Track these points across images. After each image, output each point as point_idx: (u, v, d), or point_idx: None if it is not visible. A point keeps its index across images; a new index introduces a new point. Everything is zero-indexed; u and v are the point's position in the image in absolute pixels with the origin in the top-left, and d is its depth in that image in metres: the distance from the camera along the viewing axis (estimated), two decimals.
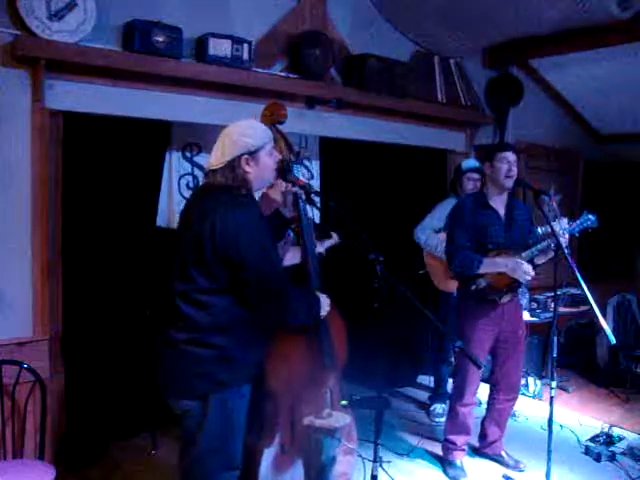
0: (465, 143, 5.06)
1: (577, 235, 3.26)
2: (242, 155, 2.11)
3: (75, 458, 3.27)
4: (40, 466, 2.61)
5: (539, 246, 3.22)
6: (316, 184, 4.49)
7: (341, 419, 2.51)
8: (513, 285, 3.29)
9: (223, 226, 2.03)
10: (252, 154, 2.12)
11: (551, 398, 2.89)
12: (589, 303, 2.74)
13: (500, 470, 3.50)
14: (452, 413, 3.51)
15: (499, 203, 3.34)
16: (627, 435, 3.94)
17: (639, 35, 4.02)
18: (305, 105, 4.03)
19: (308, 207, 3.09)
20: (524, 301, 4.90)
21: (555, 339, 2.94)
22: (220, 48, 3.49)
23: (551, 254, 3.20)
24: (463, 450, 3.54)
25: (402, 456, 3.66)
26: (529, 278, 3.18)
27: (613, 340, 2.75)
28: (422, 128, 4.72)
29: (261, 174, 2.17)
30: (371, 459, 2.39)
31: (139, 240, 3.60)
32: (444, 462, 3.55)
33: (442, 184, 5.03)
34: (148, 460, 3.42)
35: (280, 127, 2.46)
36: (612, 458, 3.63)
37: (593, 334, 5.30)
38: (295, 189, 2.43)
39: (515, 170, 3.25)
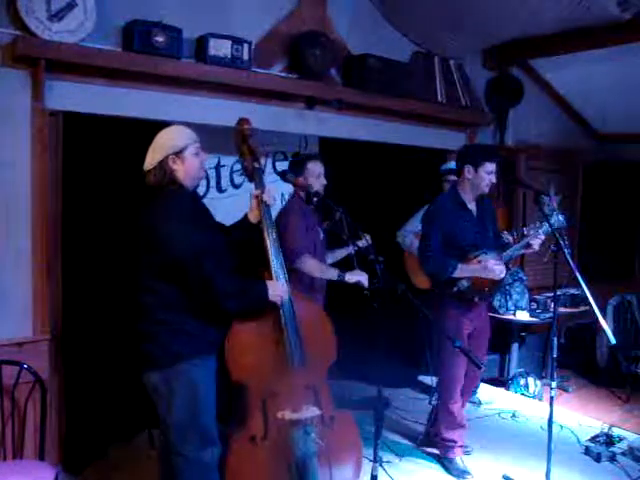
0: (465, 143, 5.05)
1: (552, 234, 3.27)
2: (169, 155, 2.38)
3: (75, 458, 3.27)
4: (40, 466, 2.61)
5: (518, 246, 3.36)
6: None
7: (313, 411, 2.60)
8: (494, 285, 3.38)
9: (150, 218, 2.35)
10: (177, 154, 2.39)
11: (551, 398, 2.90)
12: (589, 303, 2.75)
13: (500, 470, 3.50)
14: (445, 412, 3.51)
15: (473, 204, 3.43)
16: (627, 435, 3.95)
17: (639, 35, 4.03)
18: (305, 105, 4.03)
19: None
20: (524, 301, 4.92)
21: (555, 339, 2.95)
22: (220, 48, 3.49)
23: (531, 249, 3.36)
24: (461, 447, 3.56)
25: (402, 456, 3.66)
26: (502, 275, 3.31)
27: (613, 340, 2.76)
28: (422, 128, 4.71)
29: (188, 171, 2.42)
30: (371, 459, 2.39)
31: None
32: (444, 461, 3.55)
33: (442, 184, 5.03)
34: (148, 460, 3.42)
35: (246, 138, 2.69)
36: (612, 458, 3.63)
37: (593, 334, 5.30)
38: (257, 193, 2.61)
39: (495, 179, 3.35)
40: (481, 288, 3.34)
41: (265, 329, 2.55)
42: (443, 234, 3.32)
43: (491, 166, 3.31)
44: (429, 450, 3.75)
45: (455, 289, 3.32)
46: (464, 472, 3.45)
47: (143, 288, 2.37)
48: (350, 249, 3.36)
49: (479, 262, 3.28)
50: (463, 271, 3.28)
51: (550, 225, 3.12)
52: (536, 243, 3.30)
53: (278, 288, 2.51)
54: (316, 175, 3.26)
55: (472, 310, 3.41)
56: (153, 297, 2.35)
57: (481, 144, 3.57)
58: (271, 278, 2.55)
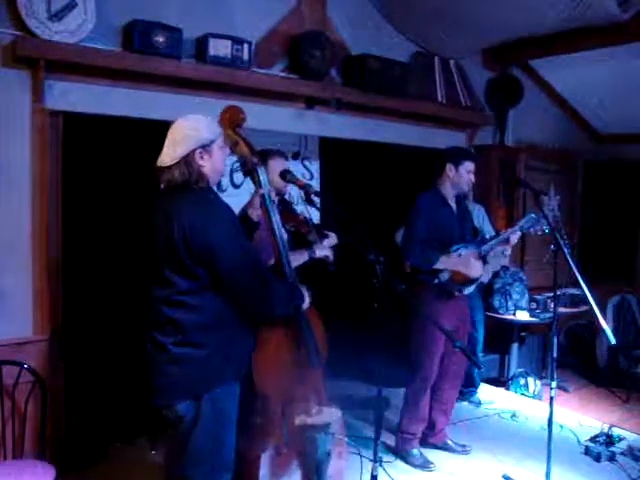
0: (465, 143, 5.05)
1: (528, 232, 3.52)
2: (196, 149, 2.08)
3: (75, 458, 3.27)
4: (40, 466, 2.61)
5: (494, 241, 3.51)
6: (316, 184, 4.49)
7: (331, 414, 2.55)
8: (473, 279, 3.50)
9: (193, 224, 2.01)
10: (205, 148, 2.10)
11: (551, 398, 2.90)
12: (589, 303, 2.75)
13: (500, 470, 3.50)
14: (413, 406, 3.56)
15: (453, 202, 3.57)
16: (627, 435, 3.95)
17: (639, 35, 4.03)
18: (305, 105, 4.03)
19: (307, 208, 3.10)
20: (524, 301, 4.91)
21: (555, 339, 2.95)
22: (220, 48, 3.49)
23: (508, 245, 3.56)
24: (419, 437, 3.62)
25: (402, 456, 3.66)
26: (477, 275, 3.46)
27: (613, 340, 2.76)
28: (422, 128, 4.72)
29: (215, 167, 2.16)
30: (371, 459, 2.39)
31: (139, 240, 3.59)
32: (402, 453, 3.60)
33: None
34: (148, 460, 3.42)
35: (239, 130, 2.42)
36: (612, 458, 3.63)
37: (593, 334, 5.31)
38: (261, 191, 2.41)
39: (474, 178, 3.54)
40: (460, 281, 3.45)
41: (285, 337, 2.46)
42: (426, 228, 3.42)
43: (471, 165, 3.49)
44: (429, 449, 3.74)
45: (436, 280, 3.41)
46: (427, 462, 3.52)
47: (174, 303, 2.07)
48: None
49: (460, 256, 3.42)
50: (444, 263, 3.39)
51: (549, 223, 3.16)
52: (513, 238, 3.48)
53: (306, 295, 2.38)
54: (277, 172, 2.89)
55: (452, 304, 3.48)
56: (188, 315, 2.06)
57: (459, 146, 3.72)
58: (283, 275, 2.44)
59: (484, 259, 3.53)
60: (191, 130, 2.09)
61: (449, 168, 3.49)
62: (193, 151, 2.07)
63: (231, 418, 2.21)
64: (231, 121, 2.39)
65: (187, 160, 2.07)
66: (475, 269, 3.44)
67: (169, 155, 2.08)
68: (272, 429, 2.46)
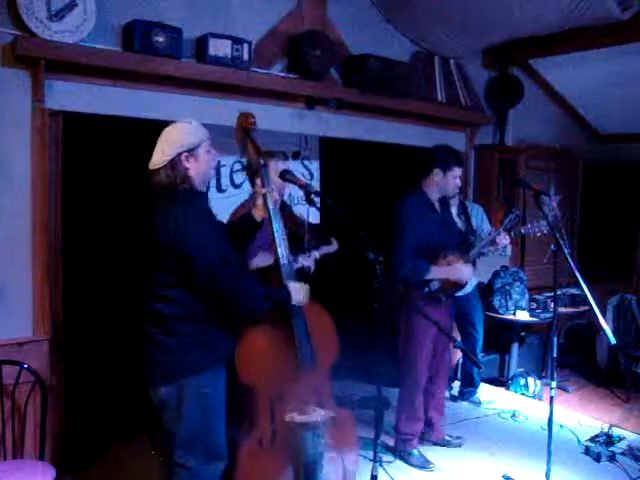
0: (465, 143, 5.06)
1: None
2: (182, 152, 2.23)
3: (75, 458, 3.28)
4: (40, 466, 2.61)
5: (479, 246, 3.53)
6: (316, 184, 4.49)
7: (321, 414, 2.55)
8: (463, 285, 3.53)
9: (177, 224, 2.17)
10: (191, 151, 2.25)
11: (551, 398, 2.90)
12: (589, 303, 2.75)
13: (500, 470, 3.50)
14: (408, 405, 3.55)
15: (437, 205, 3.55)
16: (627, 435, 3.95)
17: (639, 35, 4.03)
18: (305, 105, 4.03)
19: (307, 208, 3.10)
20: (524, 301, 4.92)
21: (555, 339, 2.95)
22: (220, 48, 3.49)
23: (495, 246, 3.54)
24: (418, 437, 3.62)
25: (402, 456, 3.66)
26: (468, 280, 3.49)
27: (613, 340, 2.77)
28: (422, 128, 4.72)
29: (201, 170, 2.30)
30: (371, 459, 2.39)
31: (136, 240, 3.60)
32: (402, 454, 3.59)
33: None
34: (148, 460, 3.42)
35: (250, 134, 2.56)
36: (612, 458, 3.63)
37: (593, 334, 5.31)
38: (264, 191, 2.48)
39: (460, 183, 3.55)
40: (449, 288, 3.46)
41: (276, 331, 2.48)
42: (414, 237, 3.34)
43: (459, 171, 3.48)
44: (429, 449, 3.75)
45: (426, 290, 3.38)
46: (427, 462, 3.52)
47: (157, 297, 2.24)
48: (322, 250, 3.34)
49: (448, 264, 3.38)
50: (435, 273, 3.35)
51: (549, 223, 3.16)
52: (500, 239, 3.49)
53: (301, 291, 2.44)
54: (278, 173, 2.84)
55: (438, 308, 3.46)
56: (170, 307, 2.22)
57: (448, 146, 3.59)
58: (280, 276, 2.47)
59: (474, 263, 3.52)
60: (178, 134, 2.27)
61: (436, 173, 3.44)
62: (179, 154, 2.23)
63: (217, 404, 2.31)
64: (242, 126, 2.55)
65: (173, 163, 2.22)
66: (465, 274, 3.42)
67: (158, 158, 2.24)
68: (256, 421, 2.50)
